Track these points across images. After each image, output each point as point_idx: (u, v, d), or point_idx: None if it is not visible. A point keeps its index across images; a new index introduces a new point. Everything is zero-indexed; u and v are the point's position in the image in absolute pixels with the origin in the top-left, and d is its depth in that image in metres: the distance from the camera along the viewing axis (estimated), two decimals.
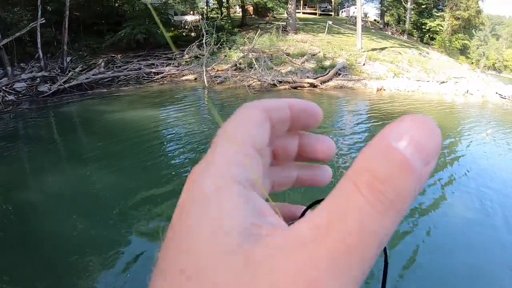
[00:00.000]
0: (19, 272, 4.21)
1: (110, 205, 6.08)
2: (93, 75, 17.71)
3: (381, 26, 34.90)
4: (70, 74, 17.00)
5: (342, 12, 41.70)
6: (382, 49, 21.89)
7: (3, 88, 14.89)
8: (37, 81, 16.41)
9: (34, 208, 5.90)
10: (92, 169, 7.74)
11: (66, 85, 15.62)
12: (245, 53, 18.22)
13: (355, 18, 25.49)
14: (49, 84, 16.15)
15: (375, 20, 38.85)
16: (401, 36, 30.56)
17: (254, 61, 17.01)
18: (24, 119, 12.33)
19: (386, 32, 31.72)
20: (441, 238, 4.86)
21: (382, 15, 36.05)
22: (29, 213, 5.66)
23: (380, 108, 13.31)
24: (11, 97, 14.77)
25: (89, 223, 5.42)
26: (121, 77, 18.34)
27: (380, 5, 35.92)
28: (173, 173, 7.46)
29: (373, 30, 30.38)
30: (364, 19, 37.03)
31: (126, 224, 5.42)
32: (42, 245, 4.90)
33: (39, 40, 16.90)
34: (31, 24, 16.59)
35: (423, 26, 31.86)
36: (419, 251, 4.45)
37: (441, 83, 17.85)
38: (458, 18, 31.40)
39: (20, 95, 15.25)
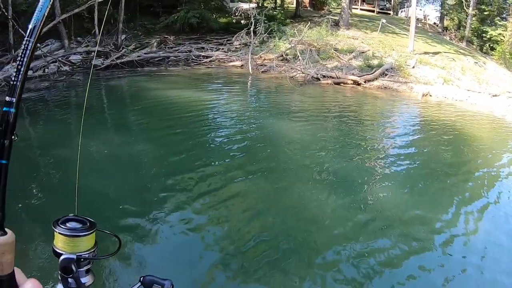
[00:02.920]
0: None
1: (146, 171, 6.58)
2: (145, 53, 18.56)
3: (440, 30, 33.53)
4: (123, 51, 17.93)
5: (401, 11, 40.38)
6: (436, 53, 21.15)
7: (59, 59, 16.01)
8: (91, 55, 17.44)
9: (74, 164, 6.46)
10: (133, 138, 8.33)
11: (118, 61, 16.53)
12: (293, 45, 18.30)
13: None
14: (102, 58, 17.14)
15: (434, 23, 37.38)
16: (460, 43, 29.23)
17: (299, 53, 17.07)
18: (76, 88, 13.24)
19: (444, 37, 30.46)
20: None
21: (441, 19, 34.58)
22: (71, 164, 6.20)
23: (424, 115, 13.02)
24: (66, 68, 15.89)
25: (124, 183, 5.93)
26: (171, 57, 19.08)
27: (440, 8, 34.46)
28: (207, 150, 7.87)
29: (430, 33, 29.28)
30: (423, 21, 35.80)
31: (159, 189, 5.87)
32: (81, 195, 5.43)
33: (96, 17, 17.87)
34: (89, 2, 17.44)
35: (483, 34, 30.18)
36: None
37: (493, 96, 16.98)
38: None
39: (74, 66, 16.36)
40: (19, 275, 0.62)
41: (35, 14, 0.64)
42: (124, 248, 4.22)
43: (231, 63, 18.96)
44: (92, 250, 0.72)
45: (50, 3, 0.65)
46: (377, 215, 5.45)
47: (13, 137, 0.62)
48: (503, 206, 6.28)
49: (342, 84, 15.87)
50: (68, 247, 0.69)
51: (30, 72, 14.56)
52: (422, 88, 16.27)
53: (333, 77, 15.98)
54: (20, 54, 0.63)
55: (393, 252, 4.56)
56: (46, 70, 15.26)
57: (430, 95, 16.02)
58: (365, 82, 15.99)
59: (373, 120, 11.71)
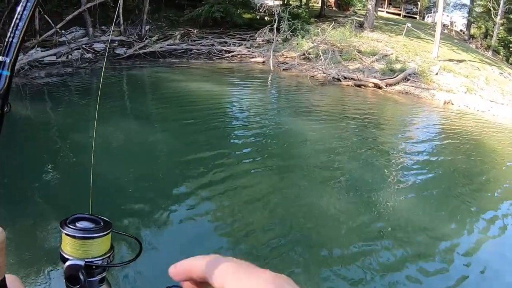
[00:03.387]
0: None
1: (161, 160, 6.73)
2: (167, 45, 18.78)
3: (466, 37, 32.94)
4: (146, 41, 18.18)
5: (428, 16, 39.77)
6: (460, 61, 20.82)
7: (83, 46, 16.35)
8: (115, 44, 17.76)
9: (91, 148, 6.66)
10: (150, 126, 8.50)
11: (141, 51, 16.78)
12: (316, 44, 18.25)
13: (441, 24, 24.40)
14: (125, 48, 17.47)
15: (461, 30, 36.72)
16: (486, 52, 28.68)
17: (321, 52, 17.04)
18: (97, 75, 13.51)
19: (470, 45, 29.92)
20: None
21: (468, 26, 33.92)
22: (88, 153, 6.38)
23: (444, 123, 12.82)
24: (89, 55, 16.22)
25: (138, 169, 6.07)
26: (194, 50, 19.24)
27: (467, 15, 33.82)
28: (223, 143, 7.98)
29: (456, 40, 28.81)
30: (449, 27, 35.21)
31: (172, 178, 6.00)
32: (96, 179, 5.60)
33: (121, 7, 18.14)
34: None
35: (510, 45, 29.58)
36: None
37: None
38: None
39: (98, 54, 16.68)
40: (15, 283, 0.53)
41: None
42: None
43: (253, 59, 19.01)
44: (107, 255, 0.57)
45: None
46: (386, 220, 5.47)
47: (5, 108, 0.50)
48: None
49: (362, 87, 15.78)
50: (77, 251, 0.55)
51: (53, 58, 15.02)
52: (444, 95, 16.05)
53: (354, 79, 15.90)
54: (20, 6, 0.50)
55: (398, 256, 4.62)
56: (70, 56, 15.60)
57: (452, 103, 15.80)
58: (386, 86, 15.86)
59: (392, 124, 11.64)
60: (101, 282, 0.58)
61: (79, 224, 0.57)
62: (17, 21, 0.49)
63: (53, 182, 5.72)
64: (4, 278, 0.50)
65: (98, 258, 0.56)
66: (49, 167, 6.17)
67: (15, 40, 0.49)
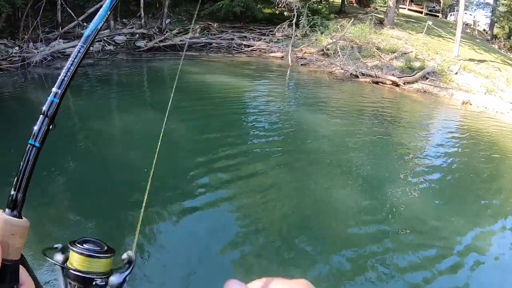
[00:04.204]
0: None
1: (176, 149, 6.99)
2: (187, 38, 19.02)
3: (489, 37, 32.36)
4: (166, 34, 18.49)
5: (450, 15, 39.12)
6: (481, 61, 20.54)
7: (105, 38, 16.81)
8: (135, 37, 18.26)
9: (111, 137, 6.99)
10: (169, 117, 8.72)
11: (161, 44, 17.10)
12: (335, 40, 18.29)
13: (463, 23, 24.04)
14: (146, 40, 17.90)
15: (484, 30, 36.06)
16: (508, 53, 28.19)
17: (339, 49, 17.08)
18: (118, 67, 13.91)
19: (493, 45, 29.41)
20: None
21: (491, 26, 33.26)
22: (106, 140, 6.69)
23: (462, 124, 12.73)
24: (110, 47, 16.71)
25: (159, 156, 6.32)
26: (213, 44, 19.49)
27: (491, 15, 33.16)
28: (239, 135, 8.19)
29: (478, 40, 28.36)
30: (472, 26, 34.62)
31: (187, 167, 6.25)
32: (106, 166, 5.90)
33: (142, 0, 18.52)
34: None
35: None
36: None
37: None
38: None
39: (119, 46, 17.16)
40: (22, 272, 0.57)
41: (91, 24, 0.70)
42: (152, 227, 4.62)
43: (272, 54, 19.16)
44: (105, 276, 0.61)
45: (106, 17, 0.72)
46: (399, 219, 5.53)
47: (51, 126, 0.63)
48: None
49: (380, 84, 15.79)
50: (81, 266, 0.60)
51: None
52: (462, 95, 15.94)
53: (372, 76, 15.91)
54: (73, 56, 0.67)
55: (414, 256, 4.70)
56: (91, 48, 15.99)
57: (470, 104, 15.67)
58: (404, 83, 15.83)
59: (409, 123, 11.64)
60: None
61: (86, 245, 0.61)
62: (70, 65, 0.66)
63: (71, 163, 6.04)
64: (19, 260, 0.56)
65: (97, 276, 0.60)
66: (69, 155, 6.49)
67: (66, 79, 0.65)
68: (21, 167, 0.60)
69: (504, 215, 6.35)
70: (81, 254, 0.59)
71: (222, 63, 16.52)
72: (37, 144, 0.61)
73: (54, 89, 0.64)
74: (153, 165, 0.98)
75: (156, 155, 0.99)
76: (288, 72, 16.34)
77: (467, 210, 6.25)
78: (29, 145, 0.61)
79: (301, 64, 17.47)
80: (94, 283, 0.59)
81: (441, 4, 37.87)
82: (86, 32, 0.70)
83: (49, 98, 0.63)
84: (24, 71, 12.28)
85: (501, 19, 32.16)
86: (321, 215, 5.40)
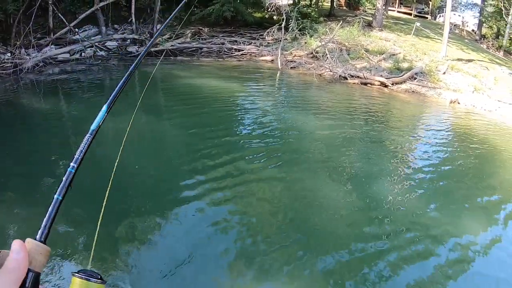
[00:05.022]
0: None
1: (168, 151, 7.08)
2: (178, 43, 19.18)
3: (477, 37, 32.75)
4: (158, 40, 18.59)
5: (439, 16, 39.56)
6: (469, 61, 20.82)
7: (96, 44, 16.91)
8: (127, 42, 18.34)
9: (105, 142, 7.07)
10: (159, 119, 8.87)
11: (153, 49, 17.18)
12: (324, 43, 18.49)
13: (452, 24, 24.38)
14: (137, 46, 17.99)
15: (472, 30, 36.50)
16: (497, 52, 28.53)
17: (327, 51, 17.28)
18: (110, 72, 14.02)
19: (481, 45, 29.77)
20: None
21: (479, 26, 33.67)
22: (100, 144, 6.73)
23: (450, 123, 12.91)
24: (101, 53, 16.80)
25: (146, 159, 6.44)
26: (204, 48, 19.65)
27: (479, 15, 33.59)
28: (230, 137, 8.27)
29: (466, 40, 28.72)
30: (461, 27, 35.03)
31: (177, 169, 6.33)
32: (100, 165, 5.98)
33: (133, 6, 18.72)
34: None
35: None
36: None
37: None
38: None
39: (110, 52, 17.28)
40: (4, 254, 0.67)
41: (95, 120, 0.95)
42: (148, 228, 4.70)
43: (262, 58, 19.34)
44: None
45: (106, 115, 0.98)
46: (390, 217, 5.56)
47: (70, 186, 0.83)
48: None
49: (369, 85, 15.98)
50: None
51: (67, 56, 15.50)
52: (450, 94, 16.13)
53: (360, 77, 16.10)
54: (82, 144, 0.89)
55: (404, 255, 4.73)
56: (83, 54, 16.16)
57: (458, 103, 15.85)
58: (392, 84, 16.03)
59: (397, 122, 11.78)
60: None
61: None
62: (80, 153, 0.88)
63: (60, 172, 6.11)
64: (40, 274, 0.69)
65: None
66: (57, 157, 6.57)
67: (79, 158, 0.86)
68: (49, 213, 0.77)
69: (495, 210, 6.44)
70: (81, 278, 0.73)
71: (213, 67, 16.65)
72: (60, 197, 0.80)
73: (71, 164, 0.85)
74: (115, 165, 1.21)
75: (118, 156, 1.25)
76: (278, 75, 16.51)
77: (457, 207, 6.30)
78: (56, 198, 0.79)
79: (291, 67, 17.64)
80: None
81: (430, 6, 38.32)
82: (92, 127, 0.94)
83: (68, 169, 0.84)
84: (17, 77, 12.36)
85: (489, 19, 32.59)
86: (310, 214, 5.45)
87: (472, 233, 5.49)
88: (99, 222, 1.02)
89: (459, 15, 37.34)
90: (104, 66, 15.29)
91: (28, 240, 0.71)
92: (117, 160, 1.22)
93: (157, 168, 6.36)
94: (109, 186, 1.10)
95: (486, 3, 32.98)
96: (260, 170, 6.64)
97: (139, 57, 1.22)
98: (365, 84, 15.97)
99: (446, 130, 11.86)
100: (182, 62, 17.01)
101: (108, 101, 1.03)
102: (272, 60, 18.63)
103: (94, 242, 1.08)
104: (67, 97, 10.46)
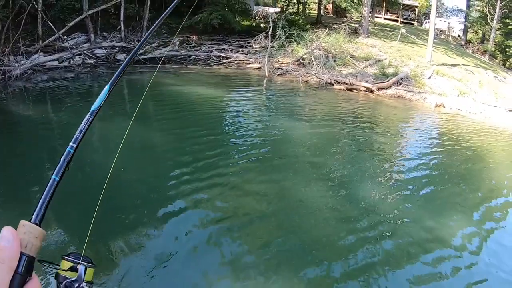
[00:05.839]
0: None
1: (156, 158, 7.10)
2: (167, 51, 19.25)
3: (462, 42, 33.27)
4: (146, 47, 18.66)
5: (425, 22, 40.13)
6: (454, 65, 21.12)
7: (85, 52, 16.95)
8: (115, 50, 18.34)
9: (95, 149, 7.08)
10: (147, 127, 8.89)
11: (141, 57, 17.23)
12: (310, 50, 18.67)
13: (438, 30, 24.70)
14: (126, 54, 17.97)
15: (458, 35, 37.06)
16: (482, 57, 28.98)
17: (313, 58, 17.46)
18: (99, 80, 14.02)
19: (466, 50, 30.23)
20: None
21: (465, 32, 34.21)
22: (90, 152, 6.77)
23: (435, 126, 13.09)
24: (90, 61, 16.84)
25: (135, 164, 6.44)
26: (192, 56, 19.76)
27: (464, 20, 34.13)
28: (217, 144, 8.29)
29: (452, 46, 29.14)
30: (447, 33, 35.55)
31: (166, 177, 6.36)
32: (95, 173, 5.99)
33: (122, 14, 18.79)
34: None
35: (507, 49, 29.77)
36: None
37: (510, 111, 16.86)
38: None
39: (99, 60, 17.27)
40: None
41: (97, 100, 0.95)
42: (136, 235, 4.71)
43: (249, 65, 19.48)
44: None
45: (108, 95, 0.97)
46: (377, 222, 5.51)
47: (67, 168, 0.82)
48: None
49: (354, 91, 16.14)
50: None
51: (55, 63, 15.46)
52: (435, 98, 16.35)
53: (346, 83, 16.26)
54: (82, 124, 0.90)
55: (390, 259, 4.71)
56: (72, 61, 16.16)
57: (444, 106, 16.08)
58: (378, 89, 16.21)
59: (383, 127, 11.87)
60: None
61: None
62: (80, 132, 0.89)
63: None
64: (35, 258, 0.68)
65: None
66: (47, 164, 6.56)
67: (79, 138, 0.88)
68: (45, 195, 0.76)
69: (483, 212, 6.45)
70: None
71: (200, 75, 16.74)
72: (57, 178, 0.79)
73: (71, 144, 0.86)
74: (111, 167, 1.22)
75: (115, 160, 1.19)
76: (265, 82, 16.62)
77: (443, 208, 6.31)
78: (53, 179, 0.79)
79: (278, 74, 17.76)
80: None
81: (416, 12, 38.86)
82: (93, 107, 0.95)
83: (67, 149, 0.85)
84: (5, 84, 12.32)
85: (474, 24, 33.12)
86: (296, 217, 5.46)
87: (457, 234, 5.50)
88: (93, 219, 1.12)
89: (445, 21, 37.92)
90: (92, 73, 15.30)
91: (23, 222, 0.69)
92: (113, 165, 1.34)
93: (146, 173, 6.36)
94: (103, 191, 1.16)
95: (471, 8, 33.54)
96: (247, 175, 6.66)
97: (140, 42, 1.24)
98: (351, 90, 16.13)
99: (432, 133, 11.98)
100: (170, 70, 17.06)
101: (111, 81, 1.01)
102: (260, 68, 18.77)
103: (87, 238, 1.10)
104: (55, 104, 10.43)
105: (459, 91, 17.74)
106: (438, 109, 15.69)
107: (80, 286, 0.76)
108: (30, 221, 0.70)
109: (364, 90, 16.19)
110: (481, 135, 12.47)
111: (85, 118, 0.91)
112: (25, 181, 5.67)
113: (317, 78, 16.54)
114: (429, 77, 18.43)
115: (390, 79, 16.91)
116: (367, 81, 16.79)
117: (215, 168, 6.70)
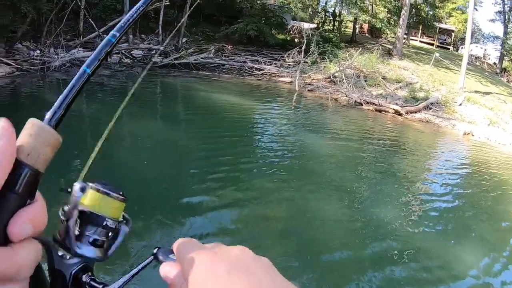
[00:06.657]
0: None
1: (179, 160, 7.50)
2: (202, 58, 19.97)
3: (498, 70, 32.72)
4: (182, 53, 19.44)
5: (462, 47, 39.60)
6: (487, 93, 20.95)
7: (122, 51, 17.79)
8: (152, 52, 19.14)
9: (124, 145, 7.58)
10: (174, 128, 9.36)
11: (176, 62, 18.02)
12: (342, 68, 18.95)
13: (473, 56, 24.49)
14: (162, 57, 18.76)
15: (494, 63, 36.46)
16: None
17: (344, 76, 17.72)
18: (133, 79, 14.64)
19: (501, 78, 29.78)
20: None
21: (501, 59, 33.64)
22: (121, 146, 7.23)
23: (463, 155, 12.93)
24: (127, 60, 17.68)
25: (160, 163, 6.88)
26: (226, 65, 20.34)
27: (501, 48, 33.56)
28: (242, 153, 8.56)
29: (486, 73, 28.79)
30: (482, 59, 35.05)
31: (186, 178, 6.73)
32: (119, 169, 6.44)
33: (161, 18, 19.65)
34: (156, 3, 19.11)
35: None
36: None
37: None
38: None
39: (135, 60, 18.12)
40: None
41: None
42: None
43: (281, 78, 19.90)
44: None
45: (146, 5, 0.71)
46: (396, 245, 5.56)
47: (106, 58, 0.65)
48: None
49: (383, 112, 16.27)
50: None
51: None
52: (464, 126, 16.28)
53: (375, 104, 16.43)
54: (131, 13, 0.68)
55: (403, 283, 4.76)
56: (109, 59, 17.03)
57: (472, 135, 15.95)
58: (406, 113, 16.28)
59: (409, 151, 11.83)
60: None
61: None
62: (124, 23, 0.66)
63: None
64: (42, 174, 0.45)
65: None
66: (77, 149, 7.01)
67: (125, 27, 0.67)
68: (69, 87, 0.58)
69: (503, 248, 6.35)
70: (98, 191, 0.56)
71: (232, 84, 17.24)
72: (88, 71, 0.61)
73: (113, 32, 0.66)
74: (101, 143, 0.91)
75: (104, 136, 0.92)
76: (295, 96, 16.97)
77: (466, 240, 6.24)
78: (82, 70, 0.61)
79: (308, 90, 18.10)
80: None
81: (453, 37, 38.48)
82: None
83: (108, 37, 0.65)
84: (43, 74, 13.09)
85: (511, 52, 32.55)
86: (312, 233, 5.58)
87: (473, 268, 5.44)
88: None
89: (481, 47, 37.37)
90: (128, 73, 16.03)
91: (32, 120, 0.46)
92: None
93: (168, 173, 6.69)
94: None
95: (508, 36, 32.98)
96: (267, 186, 6.80)
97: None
98: (380, 111, 16.28)
99: (458, 161, 11.87)
100: (203, 76, 17.67)
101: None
102: (291, 82, 19.15)
103: None
104: (88, 97, 10.96)
105: (490, 120, 17.59)
106: (467, 137, 15.59)
107: (74, 210, 0.54)
108: (42, 120, 0.49)
109: (392, 112, 16.30)
110: (509, 167, 12.36)
111: (135, 7, 0.70)
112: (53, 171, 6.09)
113: (346, 96, 16.79)
114: (460, 104, 18.36)
115: (420, 103, 16.96)
116: (396, 104, 16.91)
117: (236, 176, 6.92)
